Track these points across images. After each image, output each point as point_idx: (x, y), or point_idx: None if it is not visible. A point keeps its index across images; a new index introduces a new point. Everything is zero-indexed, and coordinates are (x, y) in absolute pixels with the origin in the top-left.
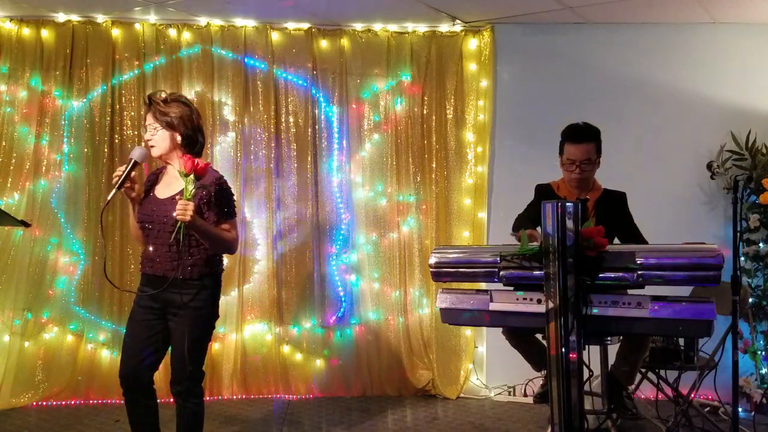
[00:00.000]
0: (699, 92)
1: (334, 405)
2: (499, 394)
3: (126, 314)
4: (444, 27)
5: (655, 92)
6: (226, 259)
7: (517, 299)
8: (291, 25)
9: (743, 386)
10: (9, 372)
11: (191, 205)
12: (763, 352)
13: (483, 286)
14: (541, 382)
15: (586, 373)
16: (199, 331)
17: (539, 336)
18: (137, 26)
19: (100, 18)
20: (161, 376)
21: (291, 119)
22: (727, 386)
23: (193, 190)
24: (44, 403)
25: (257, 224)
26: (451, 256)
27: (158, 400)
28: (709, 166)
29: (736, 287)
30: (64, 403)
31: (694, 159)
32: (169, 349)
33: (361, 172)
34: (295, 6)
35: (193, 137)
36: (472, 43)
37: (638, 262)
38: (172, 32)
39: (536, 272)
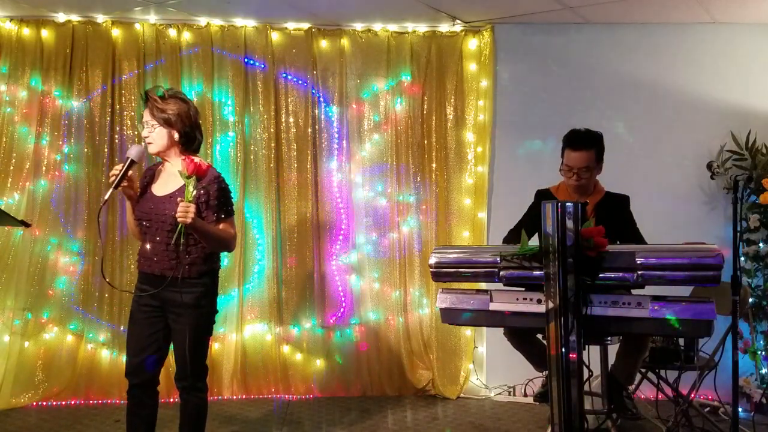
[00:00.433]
0: (699, 92)
1: (334, 405)
2: (499, 394)
3: (126, 314)
4: (444, 27)
5: (655, 92)
6: (226, 259)
7: (517, 299)
8: (291, 25)
9: (743, 386)
10: (9, 372)
11: (193, 207)
12: (763, 352)
13: (483, 286)
14: (541, 382)
15: (586, 373)
16: (200, 329)
17: (539, 336)
18: (137, 26)
19: (100, 18)
20: (162, 377)
21: (291, 119)
22: (727, 386)
23: (194, 192)
24: (44, 403)
25: (257, 224)
26: (451, 256)
27: (159, 401)
28: (709, 166)
29: (736, 287)
30: (64, 403)
31: (694, 159)
32: (171, 346)
33: (361, 172)
34: (295, 6)
35: (191, 134)
36: (472, 43)
37: (638, 262)
38: (172, 32)
39: (536, 272)
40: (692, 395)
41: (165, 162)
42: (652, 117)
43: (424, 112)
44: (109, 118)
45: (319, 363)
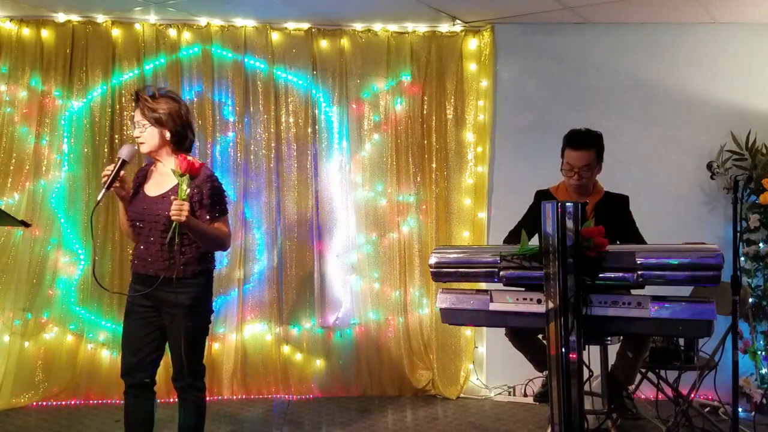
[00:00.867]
0: (699, 92)
1: (334, 405)
2: (499, 394)
3: None
4: (444, 27)
5: (655, 92)
6: (226, 259)
7: (517, 299)
8: (291, 25)
9: (743, 386)
10: (9, 372)
11: (186, 206)
12: (763, 352)
13: (483, 286)
14: (541, 382)
15: (586, 373)
16: (196, 329)
17: (540, 336)
18: (137, 26)
19: (100, 18)
20: (160, 377)
21: (291, 119)
22: (727, 386)
23: (188, 190)
24: (44, 403)
25: (257, 224)
26: (451, 256)
27: (157, 401)
28: (709, 166)
29: (736, 287)
30: (64, 403)
31: (694, 159)
32: (168, 346)
33: (361, 172)
34: (295, 6)
35: (182, 133)
36: (472, 43)
37: (638, 262)
38: (172, 32)
39: (536, 272)
40: (692, 395)
41: (157, 162)
42: (652, 117)
43: (424, 112)
44: (109, 118)
45: (319, 363)
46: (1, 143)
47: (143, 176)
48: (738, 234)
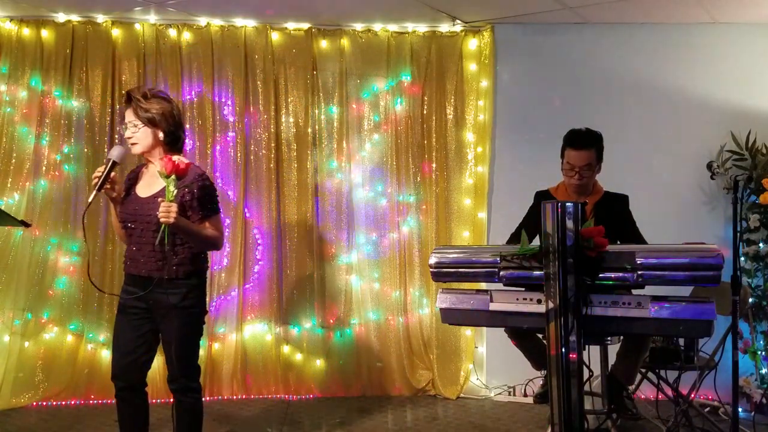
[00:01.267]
0: (699, 92)
1: (334, 405)
2: (499, 394)
3: None
4: (444, 27)
5: (655, 92)
6: (226, 259)
7: (517, 299)
8: (291, 25)
9: (743, 386)
10: (9, 372)
11: (174, 207)
12: (763, 352)
13: (483, 286)
14: (541, 382)
15: (586, 373)
16: (189, 329)
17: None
18: (137, 26)
19: (100, 18)
20: (160, 377)
21: (291, 119)
22: (727, 386)
23: (175, 191)
24: (44, 403)
25: (257, 224)
26: (451, 256)
27: (150, 402)
28: (709, 166)
29: (736, 287)
30: (64, 403)
31: (694, 159)
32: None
33: (361, 172)
34: (295, 6)
35: (175, 133)
36: (472, 43)
37: (638, 262)
38: (172, 32)
39: (536, 272)
40: (692, 395)
41: (149, 163)
42: (652, 117)
43: (424, 112)
44: (109, 118)
45: (319, 363)
46: (1, 143)
47: (134, 177)
48: (738, 234)
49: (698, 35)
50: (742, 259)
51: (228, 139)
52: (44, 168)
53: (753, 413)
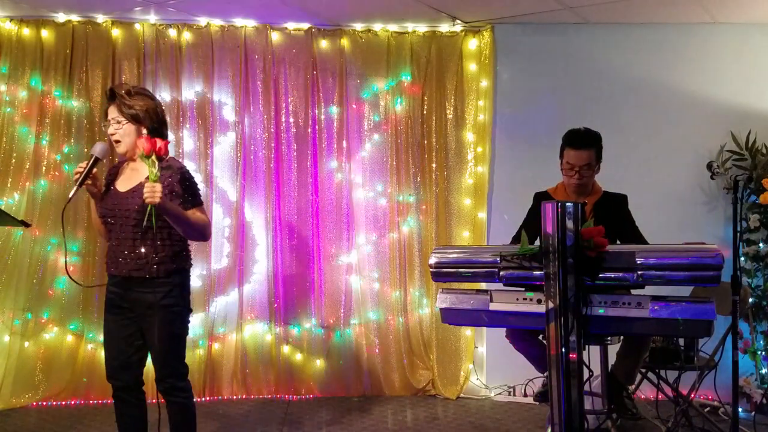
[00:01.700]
0: (699, 92)
1: (334, 405)
2: (499, 394)
3: None
4: (444, 27)
5: (655, 92)
6: (226, 258)
7: (517, 299)
8: (291, 25)
9: (743, 386)
10: (9, 372)
11: (159, 186)
12: (763, 352)
13: (483, 286)
14: (541, 382)
15: (586, 373)
16: (175, 329)
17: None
18: (137, 26)
19: (100, 18)
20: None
21: (291, 119)
22: (727, 386)
23: (158, 172)
24: (44, 403)
25: (257, 224)
26: (451, 256)
27: (147, 401)
28: (709, 166)
29: (736, 287)
30: (64, 403)
31: (694, 159)
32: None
33: (361, 172)
34: (295, 6)
35: (159, 130)
36: (472, 43)
37: (638, 262)
38: (172, 32)
39: (536, 272)
40: (692, 395)
41: (129, 161)
42: (652, 117)
43: (424, 112)
44: None
45: (319, 363)
46: (1, 143)
47: (114, 173)
48: (738, 234)
49: (698, 35)
50: (742, 259)
51: (228, 139)
52: (44, 168)
53: (753, 413)
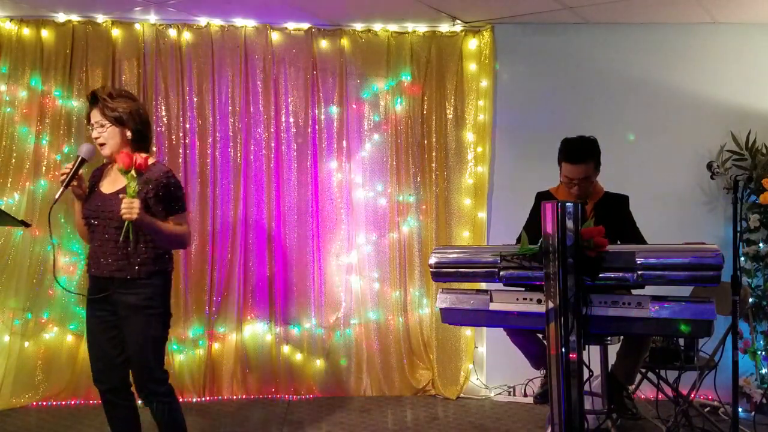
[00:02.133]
0: (699, 92)
1: (334, 405)
2: (499, 394)
3: None
4: (444, 27)
5: (655, 92)
6: (227, 259)
7: (517, 299)
8: (291, 25)
9: (743, 386)
10: (9, 372)
11: (137, 202)
12: (763, 352)
13: (483, 286)
14: (541, 382)
15: (586, 373)
16: (152, 331)
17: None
18: (137, 26)
19: (100, 18)
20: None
21: (291, 119)
22: (727, 386)
23: (137, 187)
24: (44, 403)
25: (257, 224)
26: (451, 256)
27: (135, 401)
28: (709, 166)
29: (736, 287)
30: (64, 403)
31: (694, 159)
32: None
33: (361, 172)
34: (295, 6)
35: (142, 132)
36: (472, 43)
37: (638, 262)
38: (172, 32)
39: (536, 272)
40: (692, 395)
41: (114, 162)
42: (652, 117)
43: (424, 112)
44: None
45: (319, 363)
46: (1, 143)
47: (99, 175)
48: (738, 234)
49: (698, 35)
50: (742, 259)
51: (228, 139)
52: (44, 168)
53: (753, 413)
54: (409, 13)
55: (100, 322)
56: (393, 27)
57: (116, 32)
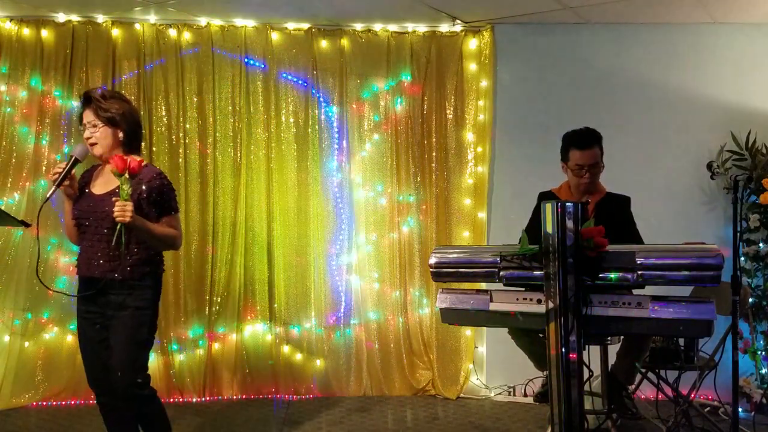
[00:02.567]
0: (699, 92)
1: (334, 405)
2: (499, 394)
3: None
4: (444, 27)
5: (655, 92)
6: (227, 259)
7: (517, 299)
8: (291, 25)
9: (743, 386)
10: (9, 372)
11: (130, 205)
12: (763, 352)
13: (483, 286)
14: (541, 382)
15: (586, 373)
16: (141, 334)
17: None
18: (137, 26)
19: (100, 18)
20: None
21: (291, 119)
22: (727, 386)
23: (129, 189)
24: (44, 403)
25: (257, 224)
26: (451, 256)
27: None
28: (709, 166)
29: (736, 287)
30: (64, 403)
31: (694, 159)
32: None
33: (361, 172)
34: (295, 6)
35: (135, 133)
36: (472, 43)
37: (638, 262)
38: (172, 32)
39: (536, 272)
40: (692, 395)
41: (106, 163)
42: (652, 117)
43: (424, 112)
44: None
45: (319, 363)
46: (1, 143)
47: (89, 177)
48: (738, 234)
49: (698, 35)
50: (742, 259)
51: (228, 139)
52: (44, 168)
53: (753, 413)
54: (409, 13)
55: (89, 325)
56: (393, 27)
57: (116, 32)
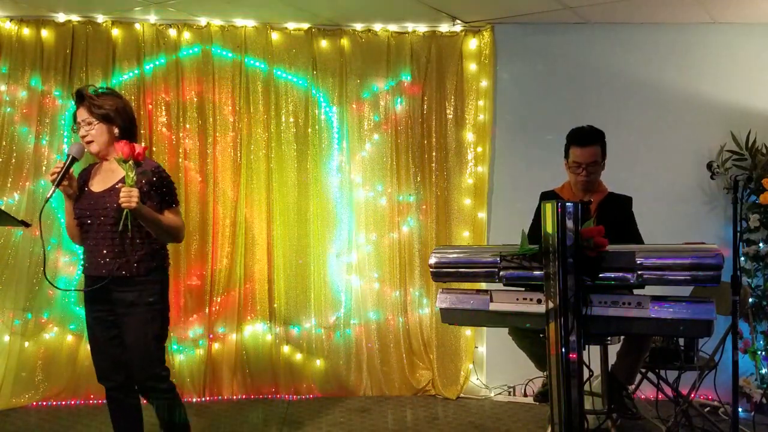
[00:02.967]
0: (699, 92)
1: (334, 405)
2: (499, 394)
3: None
4: (444, 27)
5: (655, 92)
6: (227, 258)
7: (517, 299)
8: (291, 25)
9: (743, 386)
10: (9, 372)
11: (135, 191)
12: (763, 352)
13: (483, 286)
14: (541, 382)
15: (586, 373)
16: (155, 328)
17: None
18: (137, 26)
19: (100, 18)
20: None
21: (291, 119)
22: (727, 386)
23: (135, 176)
24: (44, 403)
25: (257, 224)
26: (451, 256)
27: (140, 399)
28: (709, 166)
29: (736, 287)
30: (64, 403)
31: (694, 159)
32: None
33: (361, 172)
34: (295, 6)
35: (130, 128)
36: (472, 43)
37: (638, 262)
38: (172, 32)
39: (536, 272)
40: (692, 395)
41: (102, 161)
42: (652, 117)
43: (424, 112)
44: None
45: (319, 363)
46: (1, 143)
47: (87, 175)
48: (738, 234)
49: (698, 35)
50: (742, 259)
51: (228, 139)
52: (44, 168)
53: (753, 413)
54: (409, 13)
55: (99, 322)
56: (393, 27)
57: (116, 32)
